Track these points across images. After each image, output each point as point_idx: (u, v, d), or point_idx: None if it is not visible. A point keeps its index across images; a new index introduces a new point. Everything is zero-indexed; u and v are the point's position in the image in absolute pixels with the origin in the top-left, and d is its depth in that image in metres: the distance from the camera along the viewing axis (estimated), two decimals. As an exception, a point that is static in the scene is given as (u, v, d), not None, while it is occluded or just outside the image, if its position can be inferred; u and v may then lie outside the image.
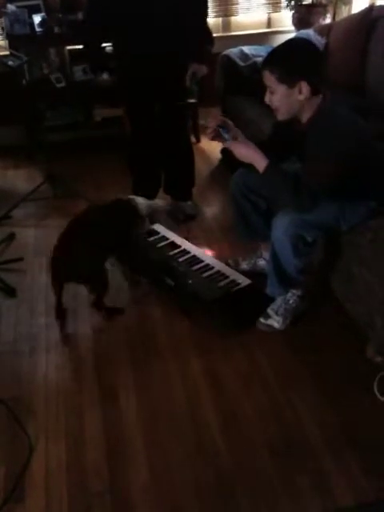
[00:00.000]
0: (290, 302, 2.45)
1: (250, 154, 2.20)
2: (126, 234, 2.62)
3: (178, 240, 2.94)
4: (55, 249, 2.47)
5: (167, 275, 2.64)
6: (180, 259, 2.77)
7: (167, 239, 2.95)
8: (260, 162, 2.17)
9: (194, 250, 2.86)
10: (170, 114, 3.13)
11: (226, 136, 2.24)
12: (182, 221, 3.25)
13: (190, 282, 2.59)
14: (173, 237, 2.96)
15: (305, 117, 2.15)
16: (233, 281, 2.61)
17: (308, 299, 2.48)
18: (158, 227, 3.00)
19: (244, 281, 2.60)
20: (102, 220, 2.55)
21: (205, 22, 3.02)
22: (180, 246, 2.89)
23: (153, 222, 2.81)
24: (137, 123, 3.23)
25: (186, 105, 3.17)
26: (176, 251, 2.85)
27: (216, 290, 2.55)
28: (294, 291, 2.44)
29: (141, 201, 2.67)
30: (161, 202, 2.85)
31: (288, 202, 2.18)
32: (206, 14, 3.00)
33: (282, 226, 2.21)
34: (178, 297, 2.60)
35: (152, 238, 2.95)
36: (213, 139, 2.29)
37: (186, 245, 2.90)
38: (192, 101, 2.95)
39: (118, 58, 3.20)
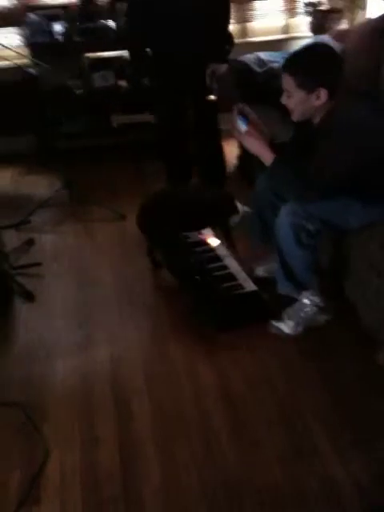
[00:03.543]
0: (307, 309, 2.45)
1: (258, 146, 2.25)
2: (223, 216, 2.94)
3: (210, 238, 3.02)
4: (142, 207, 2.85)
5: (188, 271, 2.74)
6: (201, 256, 2.85)
7: (200, 235, 3.05)
8: (267, 155, 2.22)
9: (219, 250, 2.92)
10: (199, 108, 3.33)
11: (243, 127, 2.27)
12: None
13: (197, 277, 2.66)
14: (206, 234, 3.05)
15: (317, 117, 2.19)
16: (239, 285, 2.64)
17: (328, 312, 2.46)
18: None
19: (249, 287, 2.63)
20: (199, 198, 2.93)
21: (227, 25, 3.19)
22: (208, 244, 2.97)
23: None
24: (170, 119, 3.47)
25: (212, 101, 3.31)
26: (201, 248, 2.93)
27: (218, 289, 2.60)
28: (312, 297, 2.44)
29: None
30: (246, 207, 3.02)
31: (293, 194, 2.23)
32: (228, 18, 3.18)
33: (283, 216, 2.26)
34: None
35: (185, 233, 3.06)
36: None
37: (214, 244, 2.97)
38: (213, 97, 3.20)
39: (155, 60, 3.37)
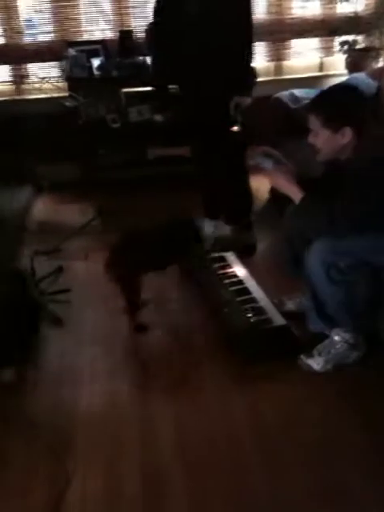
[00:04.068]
0: (337, 346, 2.39)
1: (285, 184, 2.28)
2: (182, 251, 2.80)
3: (240, 270, 3.01)
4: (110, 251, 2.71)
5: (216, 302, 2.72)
6: (231, 288, 2.83)
7: (230, 267, 3.04)
8: (295, 192, 2.24)
9: (248, 282, 2.90)
10: (224, 140, 3.33)
11: (268, 164, 2.29)
12: (242, 252, 3.30)
13: (226, 310, 2.64)
14: (236, 266, 3.05)
15: (345, 155, 2.20)
16: (268, 319, 2.60)
17: (359, 349, 2.41)
18: (227, 255, 3.14)
19: (279, 321, 2.58)
20: (158, 236, 2.75)
21: (249, 60, 3.23)
22: (237, 276, 2.95)
23: (221, 250, 2.97)
24: (199, 153, 3.59)
25: (236, 132, 3.35)
26: (232, 280, 2.91)
27: (246, 323, 2.56)
28: (343, 334, 2.39)
29: (207, 225, 2.83)
30: (228, 231, 2.93)
31: (322, 231, 2.22)
32: (250, 52, 3.22)
33: (314, 252, 2.24)
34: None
35: (217, 265, 3.06)
36: (253, 167, 2.36)
37: (243, 275, 2.96)
38: (236, 128, 3.28)
39: (181, 94, 3.47)
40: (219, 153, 3.36)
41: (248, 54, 3.20)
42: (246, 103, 3.26)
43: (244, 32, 3.13)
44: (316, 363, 2.39)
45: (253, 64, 3.27)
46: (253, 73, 3.33)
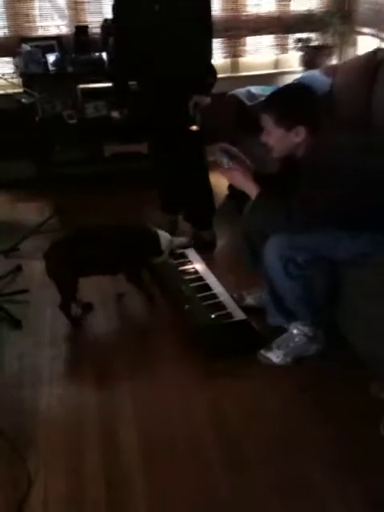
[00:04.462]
0: (296, 339, 2.43)
1: (242, 180, 2.30)
2: (139, 260, 2.77)
3: (200, 267, 3.04)
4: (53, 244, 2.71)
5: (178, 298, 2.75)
6: (191, 284, 2.85)
7: (190, 263, 3.07)
8: (252, 189, 2.26)
9: (209, 278, 2.93)
10: (183, 139, 3.31)
11: (225, 161, 2.31)
12: (202, 249, 3.33)
13: (187, 307, 2.66)
14: (196, 262, 3.08)
15: (299, 153, 2.24)
16: (228, 313, 2.64)
17: (319, 342, 2.44)
18: (187, 251, 3.16)
19: (239, 316, 2.62)
20: (116, 239, 2.72)
21: (209, 58, 3.24)
22: (198, 272, 2.98)
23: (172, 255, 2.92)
24: (157, 150, 3.57)
25: (195, 131, 3.33)
26: (192, 277, 2.94)
27: (207, 319, 2.59)
28: (302, 328, 2.42)
29: (164, 236, 2.77)
30: (184, 239, 2.98)
31: (279, 227, 2.25)
32: (210, 51, 3.23)
33: (271, 247, 2.27)
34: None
35: (177, 261, 3.07)
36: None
37: (204, 272, 2.99)
38: (195, 128, 3.23)
39: (140, 91, 3.46)
40: (178, 151, 3.35)
41: (208, 53, 3.20)
42: (206, 102, 3.25)
43: (203, 30, 3.12)
44: (275, 356, 2.42)
45: (213, 63, 3.27)
46: (213, 72, 3.32)
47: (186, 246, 3.05)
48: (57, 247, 2.71)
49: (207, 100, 3.26)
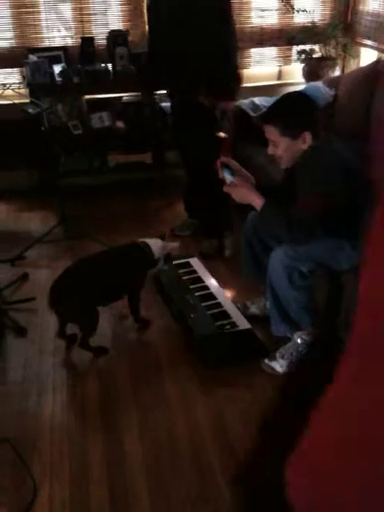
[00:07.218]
0: (300, 349, 2.45)
1: (246, 194, 2.30)
2: (139, 277, 2.71)
3: (205, 276, 3.05)
4: (56, 280, 2.54)
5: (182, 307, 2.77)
6: (196, 293, 2.87)
7: (195, 273, 3.08)
8: (257, 200, 2.26)
9: (214, 287, 2.94)
10: (208, 143, 3.34)
11: (228, 177, 2.32)
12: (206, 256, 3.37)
13: (192, 315, 2.68)
14: (201, 272, 3.09)
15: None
16: (232, 323, 2.65)
17: (319, 349, 2.45)
18: (192, 260, 3.18)
19: (243, 325, 2.64)
20: (112, 264, 2.65)
21: (235, 64, 3.30)
22: (203, 282, 2.99)
23: (167, 261, 2.89)
24: (186, 160, 3.65)
25: (222, 137, 3.38)
26: (197, 285, 2.95)
27: (211, 327, 2.61)
28: (305, 337, 2.44)
29: (155, 244, 2.73)
30: (176, 244, 2.94)
31: (283, 237, 2.26)
32: (236, 57, 3.30)
33: (276, 258, 2.28)
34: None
35: (182, 271, 3.08)
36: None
37: (209, 281, 3.00)
38: (223, 134, 3.28)
39: (171, 102, 3.60)
40: (206, 158, 3.36)
41: (233, 57, 3.26)
42: (231, 108, 3.34)
43: (230, 38, 3.19)
44: (279, 365, 2.44)
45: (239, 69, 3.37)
46: (238, 77, 3.38)
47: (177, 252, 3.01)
48: (68, 287, 2.54)
49: (232, 105, 3.36)
